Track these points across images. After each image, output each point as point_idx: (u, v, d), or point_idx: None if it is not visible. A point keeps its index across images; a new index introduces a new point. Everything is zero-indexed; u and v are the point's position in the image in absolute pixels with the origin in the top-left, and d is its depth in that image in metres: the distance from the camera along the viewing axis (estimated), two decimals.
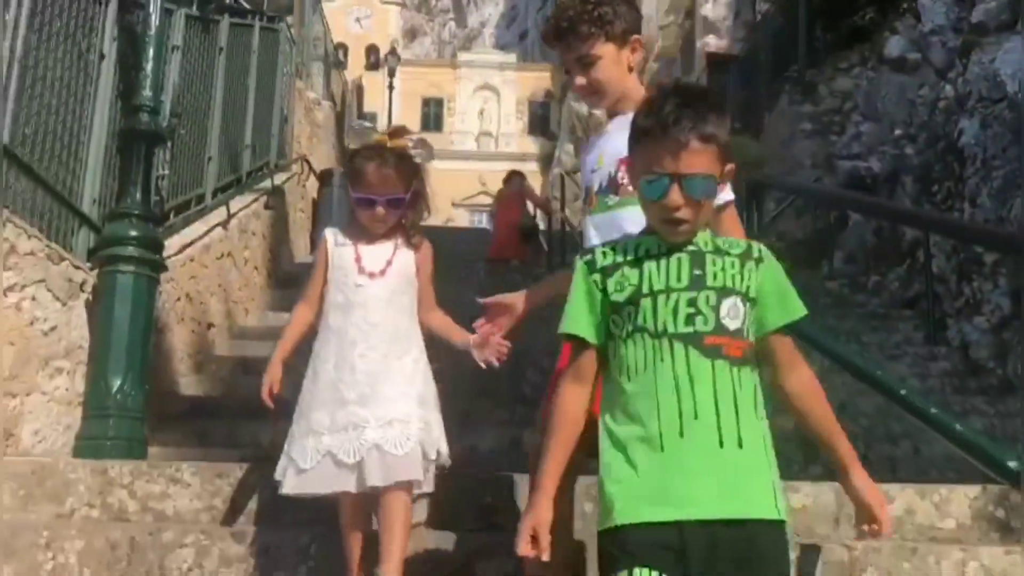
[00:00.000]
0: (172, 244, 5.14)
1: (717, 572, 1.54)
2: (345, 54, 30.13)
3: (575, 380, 1.71)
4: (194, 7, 6.26)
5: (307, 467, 2.26)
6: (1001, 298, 7.00)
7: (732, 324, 1.63)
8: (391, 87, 29.65)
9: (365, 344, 2.37)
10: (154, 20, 4.26)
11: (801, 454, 4.96)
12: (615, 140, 2.08)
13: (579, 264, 1.74)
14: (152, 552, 2.25)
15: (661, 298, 1.63)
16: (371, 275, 2.43)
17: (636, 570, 1.55)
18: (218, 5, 6.78)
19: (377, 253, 2.46)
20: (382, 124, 28.64)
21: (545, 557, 1.61)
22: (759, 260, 1.69)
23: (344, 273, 2.45)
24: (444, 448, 2.39)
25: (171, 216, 5.58)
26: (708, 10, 21.70)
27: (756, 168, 9.54)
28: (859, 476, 1.76)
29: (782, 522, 1.61)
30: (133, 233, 3.91)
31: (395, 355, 2.39)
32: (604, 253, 1.71)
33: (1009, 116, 7.62)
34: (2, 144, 3.36)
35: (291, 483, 2.28)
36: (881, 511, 1.75)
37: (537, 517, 1.63)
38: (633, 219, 1.97)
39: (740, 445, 1.58)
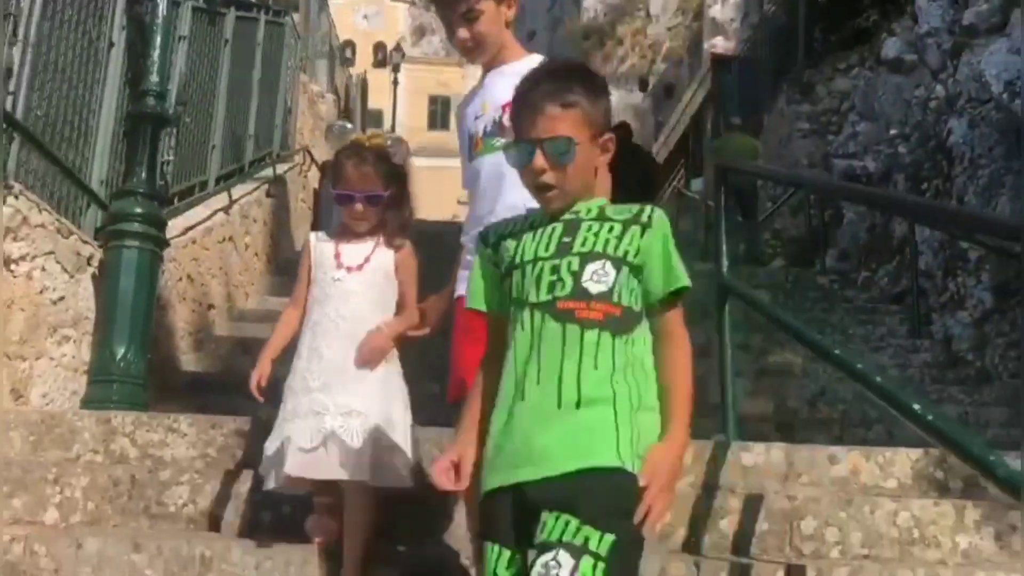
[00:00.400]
0: (175, 226, 5.34)
1: (548, 500, 1.52)
2: (353, 51, 30.35)
3: (493, 347, 1.73)
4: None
5: (270, 454, 2.30)
6: (983, 293, 7.18)
7: (595, 288, 1.59)
8: (395, 83, 29.83)
9: (335, 335, 2.40)
10: (162, 10, 4.45)
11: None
12: (495, 88, 2.20)
13: (477, 240, 1.80)
14: (151, 488, 2.46)
15: (528, 268, 1.63)
16: (348, 269, 2.47)
17: (487, 544, 1.59)
18: None
19: (356, 249, 2.50)
20: (387, 121, 28.72)
21: (462, 486, 1.62)
22: (646, 225, 1.65)
23: (324, 269, 2.49)
24: (406, 445, 2.36)
25: (175, 201, 5.79)
26: (716, 11, 21.70)
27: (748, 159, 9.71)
28: (658, 447, 1.57)
29: (623, 471, 1.52)
30: (138, 210, 4.11)
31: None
32: (496, 229, 1.75)
33: (995, 116, 7.78)
34: (2, 117, 3.51)
35: (295, 467, 2.29)
36: (648, 479, 1.53)
37: (457, 451, 1.65)
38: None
39: (578, 406, 1.55)
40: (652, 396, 1.61)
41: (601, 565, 1.45)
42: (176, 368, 5.13)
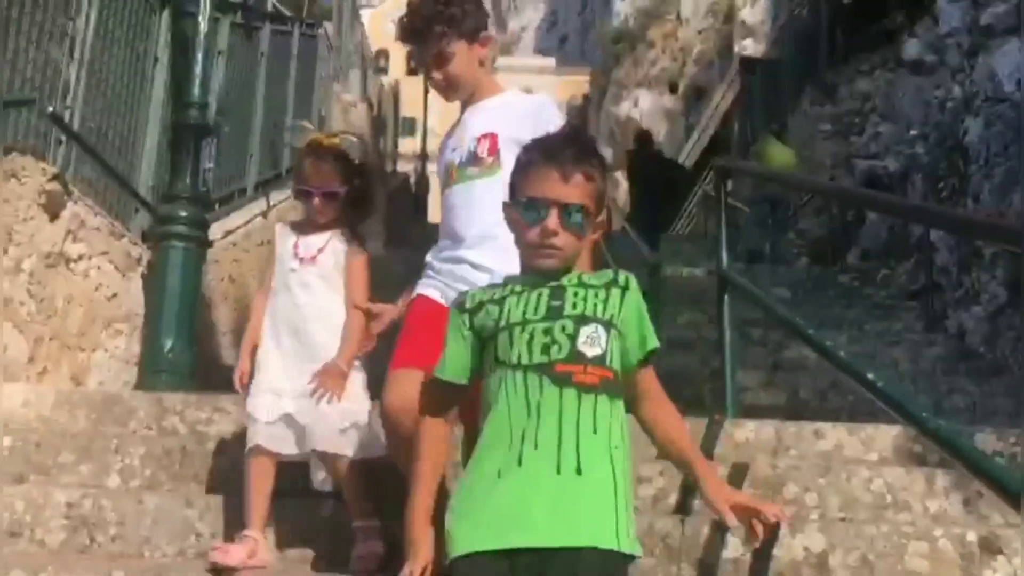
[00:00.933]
0: (217, 230, 5.68)
1: None
2: (387, 59, 30.77)
3: (438, 414, 1.74)
4: (238, 15, 6.83)
5: (260, 420, 2.45)
6: (998, 288, 7.35)
7: (591, 351, 1.61)
8: (427, 91, 30.26)
9: (291, 323, 2.53)
10: (202, 27, 4.79)
11: None
12: (473, 123, 2.31)
13: (452, 309, 1.79)
14: (198, 458, 2.77)
15: (517, 330, 1.63)
16: (302, 260, 2.58)
17: None
18: (260, 13, 7.35)
19: (312, 241, 2.60)
20: (419, 128, 29.04)
21: None
22: (624, 288, 1.70)
23: (283, 260, 2.60)
24: (364, 419, 2.50)
25: (216, 206, 6.15)
26: (747, 14, 21.73)
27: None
28: (715, 487, 1.73)
29: (622, 554, 1.56)
30: (183, 213, 4.45)
31: (319, 333, 2.53)
32: (473, 295, 1.75)
33: (1010, 115, 7.94)
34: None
35: (254, 435, 2.46)
36: (729, 513, 1.69)
37: (421, 561, 1.66)
38: (490, 188, 2.17)
39: (579, 472, 1.55)
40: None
41: None
42: (220, 364, 5.47)
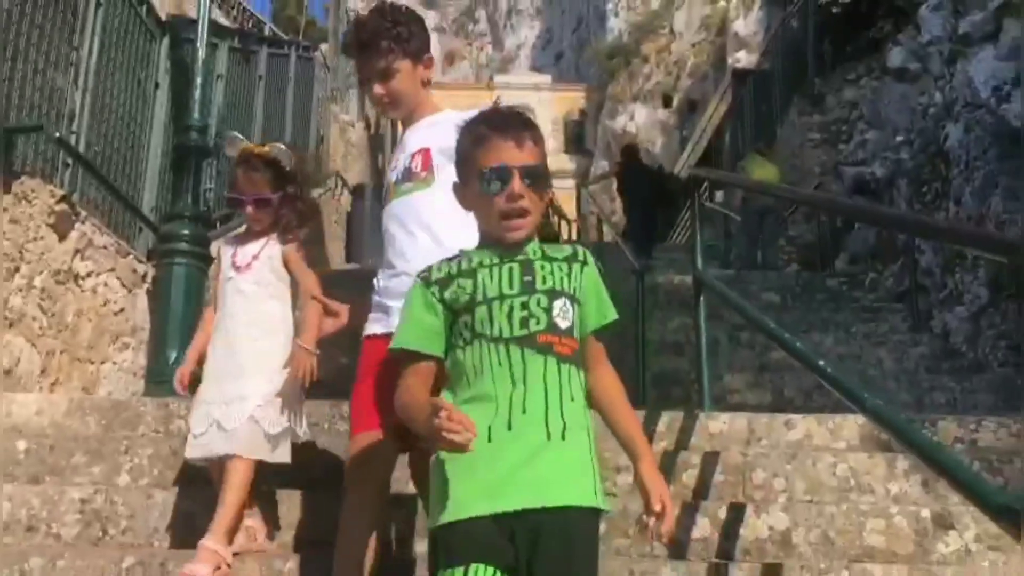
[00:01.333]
0: (218, 248, 5.89)
1: (541, 555, 1.58)
2: None
3: (414, 373, 1.74)
4: (236, 40, 7.07)
5: (198, 433, 2.52)
6: (980, 288, 7.53)
7: (563, 323, 1.68)
8: None
9: (226, 331, 2.59)
10: (201, 53, 5.01)
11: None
12: (410, 141, 2.33)
13: (416, 282, 1.78)
14: None
15: (496, 304, 1.67)
16: (238, 269, 2.63)
17: (473, 567, 1.58)
18: (257, 38, 7.58)
19: (248, 249, 2.65)
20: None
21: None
22: (583, 263, 1.77)
23: (224, 271, 2.67)
24: (294, 423, 2.55)
25: (217, 225, 6.35)
26: (739, 26, 21.93)
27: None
28: (646, 468, 1.72)
29: (599, 510, 1.65)
30: (185, 232, 4.66)
31: (251, 339, 2.57)
32: (439, 267, 1.75)
33: (988, 121, 8.14)
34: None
35: (189, 450, 2.55)
36: (657, 502, 1.67)
37: (436, 403, 1.61)
38: (425, 200, 2.20)
39: (564, 437, 1.63)
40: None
41: None
42: None
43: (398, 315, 1.97)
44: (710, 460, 3.05)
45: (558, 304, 1.69)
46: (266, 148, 2.68)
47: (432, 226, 2.17)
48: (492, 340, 1.66)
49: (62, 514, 2.65)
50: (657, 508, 1.66)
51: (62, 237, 3.92)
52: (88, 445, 3.03)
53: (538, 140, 1.76)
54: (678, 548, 2.64)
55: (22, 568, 2.34)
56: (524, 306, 1.67)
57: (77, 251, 4.04)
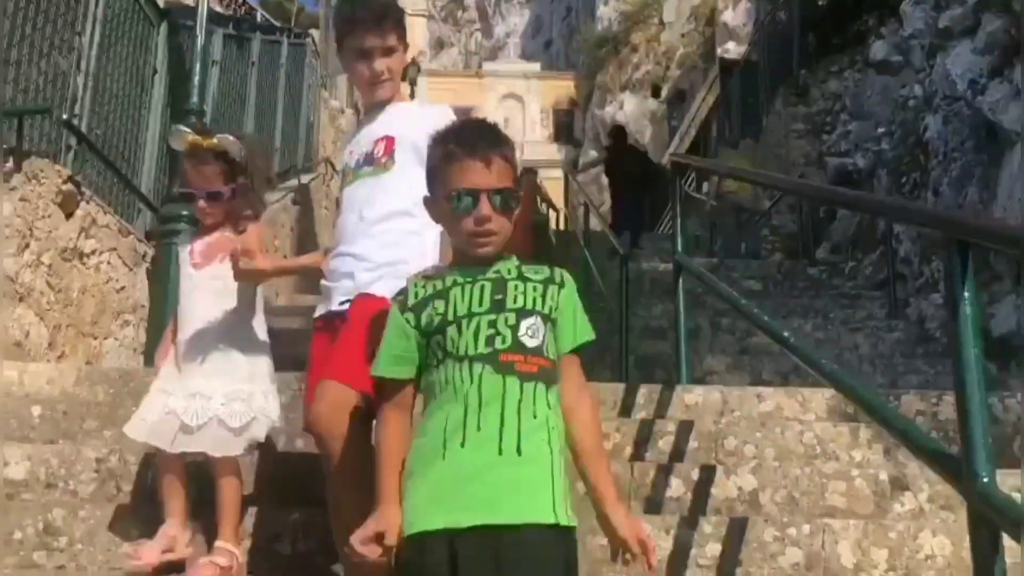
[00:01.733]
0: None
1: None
2: None
3: (395, 407, 1.76)
4: (231, 27, 7.21)
5: (148, 419, 2.50)
6: None
7: (531, 342, 1.69)
8: (412, 96, 30.69)
9: (188, 326, 2.57)
10: (200, 40, 5.16)
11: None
12: (374, 125, 2.37)
13: (393, 306, 1.80)
14: None
15: (464, 322, 1.70)
16: (195, 265, 2.62)
17: None
18: (251, 24, 7.72)
19: (203, 245, 2.63)
20: None
21: (385, 555, 1.64)
22: (560, 284, 1.78)
23: (183, 267, 2.66)
24: (265, 406, 2.54)
25: None
26: (728, 16, 22.04)
27: None
28: (615, 512, 1.70)
29: (562, 527, 1.62)
30: (183, 212, 4.81)
31: (212, 335, 2.54)
32: (415, 292, 1.77)
33: (966, 113, 8.36)
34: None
35: (134, 430, 2.52)
36: (635, 542, 1.67)
37: (382, 523, 1.65)
38: (384, 185, 2.26)
39: (519, 453, 1.62)
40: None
41: None
42: None
43: (339, 297, 2.18)
44: (684, 428, 3.24)
45: (526, 323, 1.70)
46: (214, 140, 2.58)
47: (385, 211, 2.23)
48: (458, 359, 1.68)
49: (79, 472, 2.82)
50: (637, 551, 1.66)
51: (68, 216, 4.08)
52: (99, 411, 3.21)
53: (509, 157, 1.79)
54: (654, 506, 2.84)
55: (46, 519, 2.52)
56: (492, 324, 1.69)
57: (82, 230, 4.20)
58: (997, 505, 1.64)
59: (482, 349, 1.67)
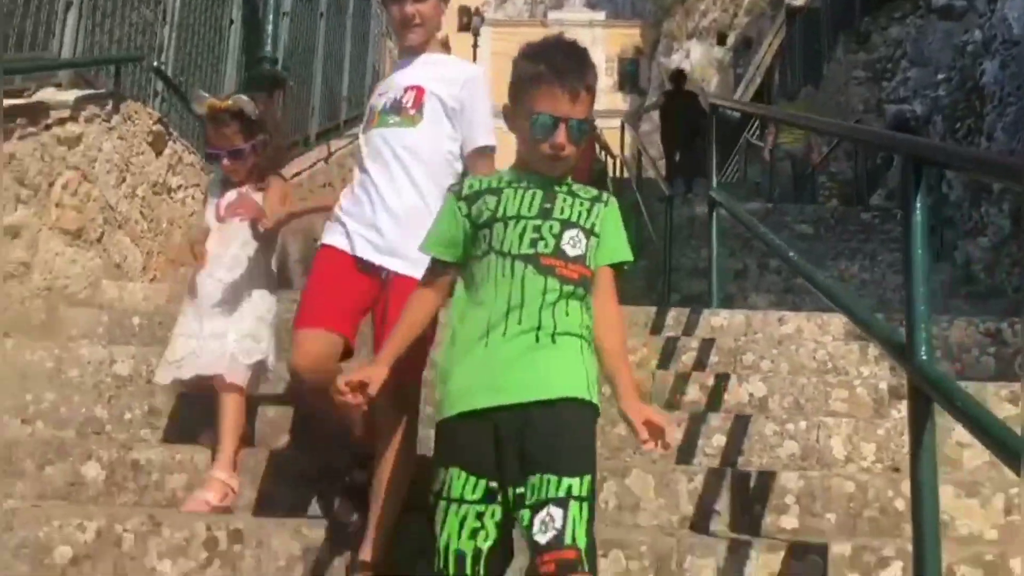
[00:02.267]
0: (285, 172, 6.48)
1: (530, 437, 1.69)
2: None
3: (428, 286, 1.91)
4: None
5: (173, 359, 2.70)
6: (1003, 220, 7.87)
7: (572, 251, 1.79)
8: (475, 46, 30.85)
9: (210, 273, 2.73)
10: None
11: None
12: (405, 73, 2.40)
13: (449, 194, 1.93)
14: (284, 331, 3.58)
15: (512, 223, 1.80)
16: (220, 219, 2.77)
17: (451, 469, 1.73)
18: None
19: (229, 199, 2.77)
20: None
21: (363, 405, 1.80)
22: (606, 203, 1.88)
23: (208, 220, 2.83)
24: (265, 358, 2.74)
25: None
26: None
27: None
28: (629, 400, 1.79)
29: (591, 403, 1.75)
30: None
31: (232, 282, 2.72)
32: (471, 184, 1.90)
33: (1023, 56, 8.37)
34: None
35: (163, 375, 2.74)
36: (643, 430, 1.74)
37: (369, 372, 1.79)
38: (402, 139, 2.29)
39: (554, 342, 1.74)
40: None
41: (585, 504, 1.67)
42: (287, 284, 6.29)
43: (356, 238, 2.27)
44: (707, 345, 3.58)
45: (569, 233, 1.80)
46: (229, 101, 2.76)
47: (409, 165, 2.29)
48: (501, 254, 1.78)
49: None
50: (644, 436, 1.74)
51: (158, 154, 4.54)
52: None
53: (592, 88, 1.84)
54: (672, 408, 3.19)
55: (150, 403, 2.99)
56: (536, 229, 1.79)
57: (170, 167, 4.66)
58: (932, 379, 1.97)
59: (525, 249, 1.77)
